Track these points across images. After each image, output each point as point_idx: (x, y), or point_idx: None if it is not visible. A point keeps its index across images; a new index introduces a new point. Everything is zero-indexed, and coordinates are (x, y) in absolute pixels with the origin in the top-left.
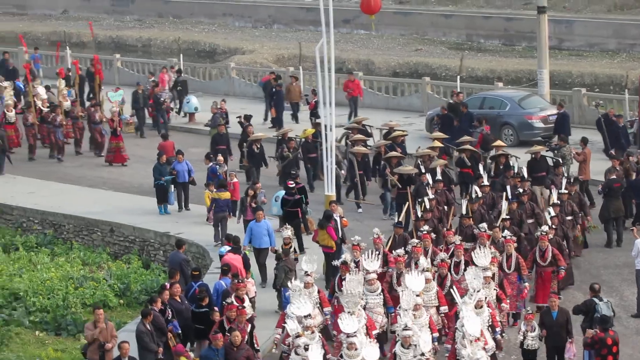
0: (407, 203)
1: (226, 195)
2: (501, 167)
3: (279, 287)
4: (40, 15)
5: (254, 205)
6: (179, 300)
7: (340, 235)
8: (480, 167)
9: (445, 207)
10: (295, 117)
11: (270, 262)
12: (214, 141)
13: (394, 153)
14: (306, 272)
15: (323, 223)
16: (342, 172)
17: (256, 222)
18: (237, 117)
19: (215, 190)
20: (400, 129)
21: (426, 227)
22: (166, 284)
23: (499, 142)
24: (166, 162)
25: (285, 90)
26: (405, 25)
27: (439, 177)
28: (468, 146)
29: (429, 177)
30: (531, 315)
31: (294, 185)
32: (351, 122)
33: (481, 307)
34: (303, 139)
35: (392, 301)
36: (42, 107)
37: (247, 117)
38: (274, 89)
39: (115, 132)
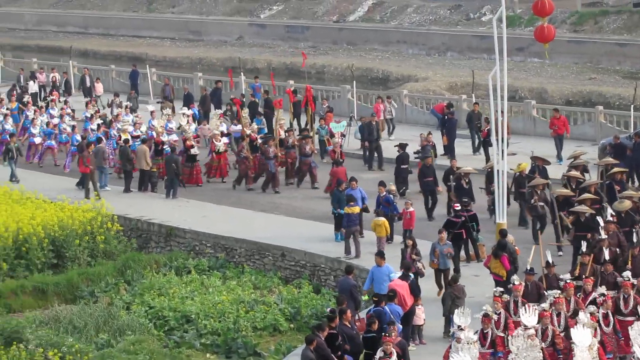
0: (534, 246)
1: (357, 209)
2: None
3: (447, 314)
4: (216, 42)
5: (413, 257)
6: (349, 326)
7: (515, 265)
8: None
9: (618, 250)
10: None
11: None
12: (422, 173)
13: (540, 180)
14: (459, 326)
15: (497, 252)
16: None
17: (378, 266)
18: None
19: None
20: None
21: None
22: (334, 309)
23: None
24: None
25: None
26: (579, 53)
27: (609, 217)
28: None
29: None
30: None
31: (459, 208)
32: (571, 159)
33: None
34: (517, 173)
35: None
36: (253, 138)
37: (403, 146)
38: (446, 117)
39: (338, 163)
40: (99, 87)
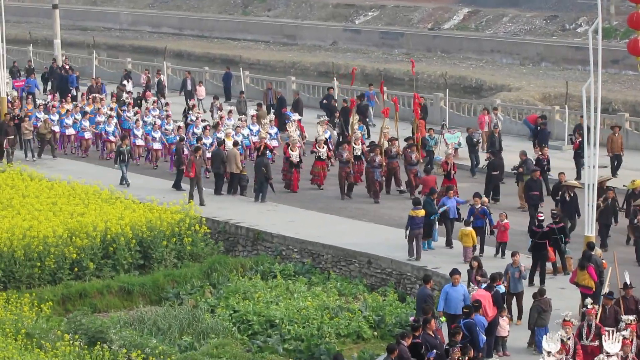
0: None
1: (421, 212)
2: None
3: (533, 327)
4: (310, 46)
5: (478, 278)
6: (433, 335)
7: (600, 279)
8: None
9: None
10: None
11: None
12: (528, 187)
13: None
14: (549, 352)
15: (584, 263)
16: None
17: (452, 285)
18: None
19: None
20: None
21: None
22: (418, 318)
23: None
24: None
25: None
26: None
27: None
28: None
29: None
30: None
31: (543, 218)
32: None
33: None
34: (631, 190)
35: None
36: (354, 145)
37: (494, 152)
38: (538, 128)
39: (449, 175)
40: (201, 90)
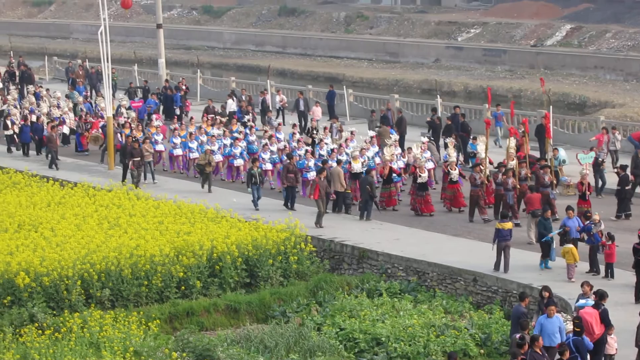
0: None
1: (508, 225)
2: None
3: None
4: (413, 64)
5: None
6: (540, 353)
7: None
8: None
9: None
10: None
11: None
12: None
13: None
14: None
15: None
16: None
17: (548, 317)
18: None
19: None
20: None
21: None
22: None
23: None
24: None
25: None
26: None
27: None
28: None
29: None
30: None
31: None
32: None
33: None
34: None
35: None
36: (450, 170)
37: (623, 167)
38: None
39: (584, 196)
40: (317, 111)
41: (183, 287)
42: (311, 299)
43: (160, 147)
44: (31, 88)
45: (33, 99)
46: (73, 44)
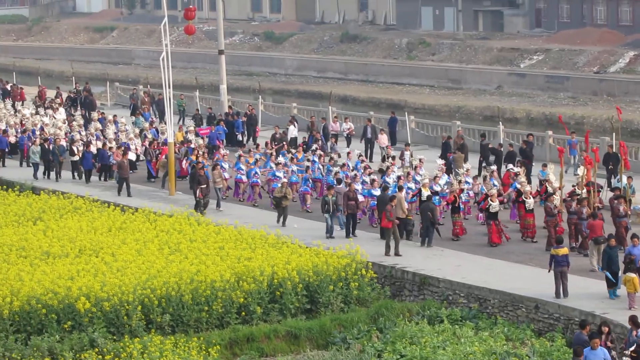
0: None
1: (562, 251)
2: None
3: None
4: (475, 90)
5: (609, 344)
6: None
7: None
8: None
9: None
10: None
11: None
12: None
13: None
14: None
15: None
16: None
17: (592, 349)
18: None
19: None
20: None
21: None
22: None
23: None
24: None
25: None
26: None
27: None
28: None
29: None
30: None
31: None
32: None
33: None
34: None
35: None
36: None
37: None
38: None
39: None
40: (383, 139)
41: (243, 313)
42: (372, 325)
43: (226, 175)
44: (94, 114)
45: (99, 124)
46: (135, 70)
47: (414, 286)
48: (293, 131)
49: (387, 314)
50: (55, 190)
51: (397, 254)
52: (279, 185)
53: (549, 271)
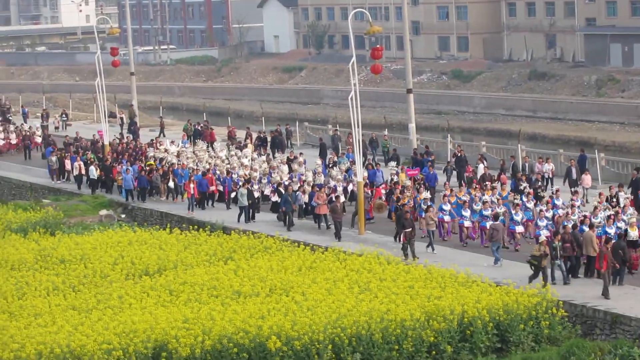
0: None
1: None
2: None
3: None
4: None
5: None
6: None
7: None
8: None
9: None
10: None
11: None
12: None
13: None
14: None
15: None
16: None
17: None
18: None
19: None
20: None
21: None
22: None
23: None
24: None
25: None
26: None
27: None
28: None
29: None
30: None
31: None
32: None
33: None
34: None
35: None
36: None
37: None
38: None
39: None
40: (587, 179)
41: (434, 352)
42: None
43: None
44: (282, 155)
45: (296, 167)
46: (324, 110)
47: (606, 325)
48: (481, 169)
49: (579, 352)
50: (246, 230)
51: (604, 295)
52: (541, 245)
53: None
